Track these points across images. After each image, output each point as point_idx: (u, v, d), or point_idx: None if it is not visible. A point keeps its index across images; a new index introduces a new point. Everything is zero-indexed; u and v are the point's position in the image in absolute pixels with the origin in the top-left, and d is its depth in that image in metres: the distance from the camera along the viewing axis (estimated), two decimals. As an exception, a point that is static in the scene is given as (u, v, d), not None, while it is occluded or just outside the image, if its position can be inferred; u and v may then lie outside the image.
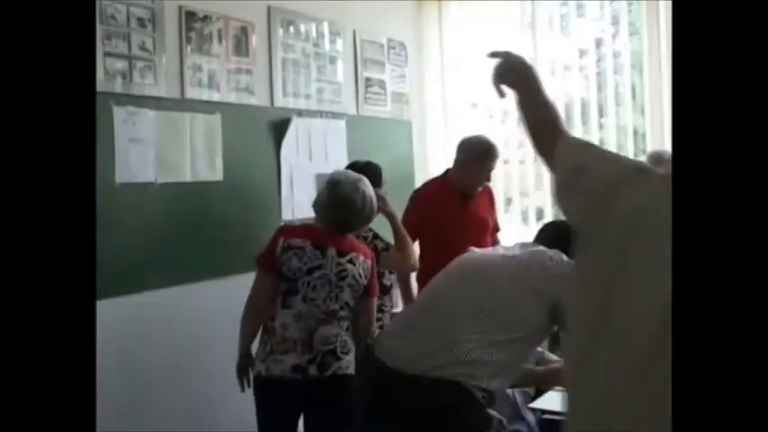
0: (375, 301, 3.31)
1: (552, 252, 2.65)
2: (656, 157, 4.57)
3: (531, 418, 3.12)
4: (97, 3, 3.42)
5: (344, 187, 3.18)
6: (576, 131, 5.39)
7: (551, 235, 2.83)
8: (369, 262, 3.24)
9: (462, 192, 4.16)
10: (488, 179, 4.19)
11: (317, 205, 3.27)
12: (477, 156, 4.10)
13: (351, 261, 3.15)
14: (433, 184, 4.35)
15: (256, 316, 3.14)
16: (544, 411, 2.89)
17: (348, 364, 3.14)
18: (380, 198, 3.46)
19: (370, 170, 3.67)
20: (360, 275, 3.17)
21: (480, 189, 4.21)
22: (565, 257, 2.62)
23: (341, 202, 3.17)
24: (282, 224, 3.33)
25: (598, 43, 5.49)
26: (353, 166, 3.79)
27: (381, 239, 3.56)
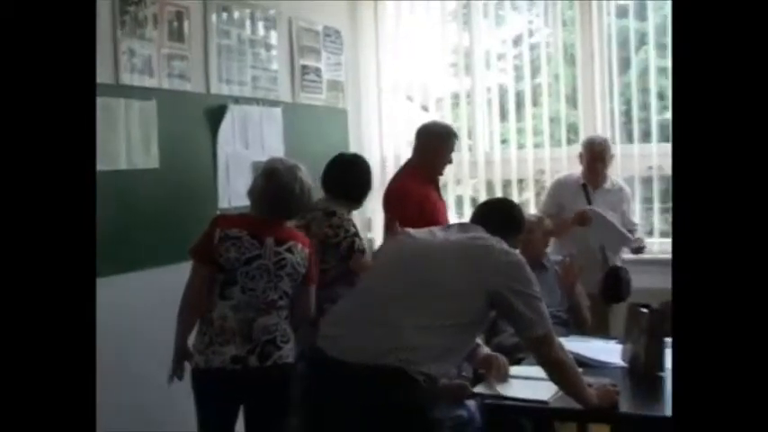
0: (313, 289, 3.29)
1: (494, 239, 2.65)
2: (589, 144, 4.66)
3: (471, 403, 3.14)
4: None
5: (282, 175, 3.14)
6: (511, 121, 5.46)
7: (489, 215, 2.84)
8: (307, 250, 3.22)
9: (434, 179, 4.24)
10: (451, 161, 4.28)
11: (252, 194, 3.22)
12: (441, 137, 4.21)
13: (289, 250, 3.13)
14: (409, 177, 4.21)
15: (193, 308, 3.10)
16: (485, 396, 2.91)
17: (288, 352, 3.13)
18: (360, 251, 3.47)
19: (358, 165, 3.72)
20: (298, 264, 3.15)
21: None
22: (505, 245, 2.64)
23: (279, 191, 3.13)
24: (218, 214, 3.30)
25: (531, 33, 5.56)
26: (341, 157, 3.86)
27: (361, 239, 3.56)
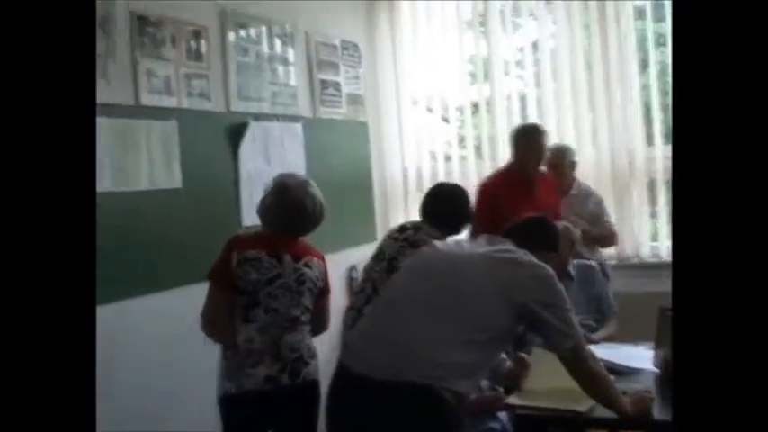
0: (329, 300, 3.28)
1: (521, 252, 2.61)
2: (550, 153, 4.66)
3: (503, 415, 3.10)
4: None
5: (294, 192, 3.12)
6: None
7: (523, 230, 2.79)
8: (322, 264, 3.21)
9: (525, 177, 4.35)
10: (540, 156, 4.40)
11: (264, 212, 3.18)
12: (524, 135, 4.42)
13: (307, 265, 3.12)
14: (496, 173, 4.58)
15: (217, 329, 3.06)
16: (517, 407, 2.87)
17: (315, 368, 3.11)
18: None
19: (458, 196, 3.70)
20: (317, 278, 3.15)
21: (542, 175, 4.46)
22: (533, 258, 2.59)
23: (292, 208, 3.11)
24: (232, 237, 3.18)
25: (548, 39, 5.53)
26: (441, 188, 3.82)
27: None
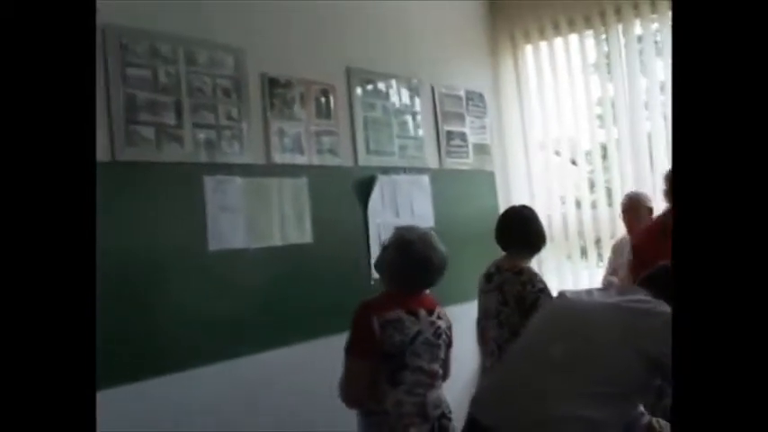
0: (452, 351, 3.20)
1: (655, 302, 2.48)
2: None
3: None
4: (183, 76, 3.52)
5: (419, 247, 3.03)
6: (659, 167, 5.27)
7: (658, 277, 2.67)
8: (447, 314, 3.15)
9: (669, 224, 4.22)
10: None
11: (389, 269, 3.08)
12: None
13: (439, 317, 3.07)
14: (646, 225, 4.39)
15: (359, 405, 2.96)
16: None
17: (456, 423, 3.01)
18: None
19: (529, 214, 3.76)
20: (448, 329, 3.10)
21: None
22: (668, 308, 2.47)
23: (418, 263, 3.02)
24: (363, 304, 3.01)
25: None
26: (512, 211, 3.90)
27: (547, 294, 3.51)
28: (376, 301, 3.03)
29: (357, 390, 2.91)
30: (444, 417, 2.99)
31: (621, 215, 4.73)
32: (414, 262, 3.02)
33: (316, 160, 4.14)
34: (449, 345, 3.12)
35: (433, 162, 5.00)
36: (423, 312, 3.00)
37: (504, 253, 3.73)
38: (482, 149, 5.50)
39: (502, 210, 5.45)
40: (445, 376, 3.17)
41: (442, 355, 3.05)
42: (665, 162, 5.15)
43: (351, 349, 2.92)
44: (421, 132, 4.94)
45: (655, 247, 3.93)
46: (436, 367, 3.01)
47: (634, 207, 4.68)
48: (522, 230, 3.73)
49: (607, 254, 5.27)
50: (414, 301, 3.03)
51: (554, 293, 3.42)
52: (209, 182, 3.57)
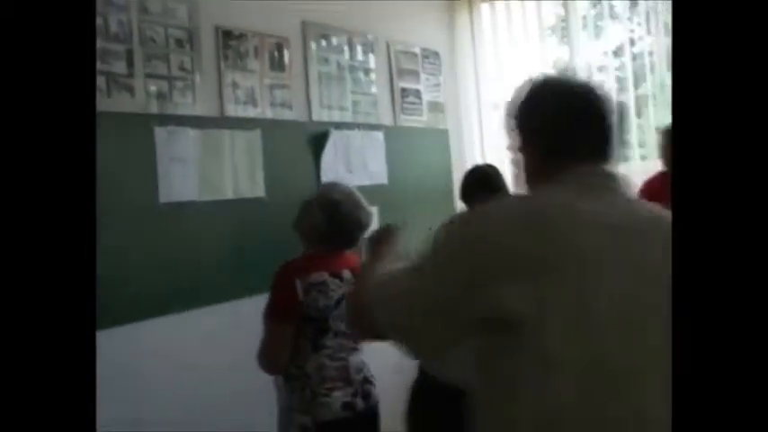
0: None
1: None
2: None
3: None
4: (136, 25, 3.46)
5: (347, 207, 2.95)
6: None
7: None
8: None
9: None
10: None
11: (314, 230, 2.99)
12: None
13: None
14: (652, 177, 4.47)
15: (278, 370, 2.87)
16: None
17: (376, 389, 3.00)
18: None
19: (495, 173, 3.76)
20: None
21: None
22: None
23: (347, 224, 2.96)
24: (284, 265, 2.88)
25: (632, 43, 5.44)
26: (475, 170, 3.86)
27: None
28: (299, 263, 2.93)
29: (279, 356, 2.82)
30: (367, 381, 2.95)
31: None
32: (342, 223, 2.94)
33: (269, 113, 4.12)
34: None
35: (387, 119, 5.00)
36: (347, 274, 2.92)
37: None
38: (436, 107, 5.51)
39: (454, 168, 5.53)
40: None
41: None
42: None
43: (272, 313, 2.82)
44: (375, 89, 4.93)
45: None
46: None
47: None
48: (487, 188, 3.70)
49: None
50: (337, 262, 2.94)
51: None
52: (160, 133, 3.53)
